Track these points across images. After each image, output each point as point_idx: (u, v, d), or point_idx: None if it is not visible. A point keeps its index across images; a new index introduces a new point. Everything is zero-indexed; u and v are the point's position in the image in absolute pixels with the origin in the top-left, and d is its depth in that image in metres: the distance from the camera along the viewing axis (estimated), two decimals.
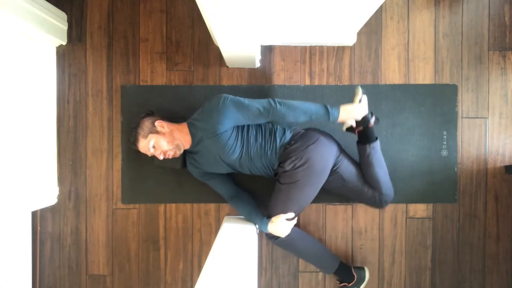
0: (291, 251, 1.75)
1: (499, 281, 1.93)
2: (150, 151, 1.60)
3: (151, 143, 1.57)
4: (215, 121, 1.49)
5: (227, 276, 1.21)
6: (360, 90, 1.59)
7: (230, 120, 1.50)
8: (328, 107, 1.50)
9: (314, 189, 1.60)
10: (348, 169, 1.66)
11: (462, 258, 1.93)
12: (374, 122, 1.64)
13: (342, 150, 1.69)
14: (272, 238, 1.65)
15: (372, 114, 1.64)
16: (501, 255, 1.93)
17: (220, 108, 1.48)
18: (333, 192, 1.76)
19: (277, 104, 1.49)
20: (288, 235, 1.61)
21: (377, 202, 1.70)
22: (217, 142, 1.53)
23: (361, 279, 1.77)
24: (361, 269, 1.80)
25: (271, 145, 1.59)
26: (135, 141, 1.60)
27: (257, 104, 1.49)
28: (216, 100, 1.50)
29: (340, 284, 1.82)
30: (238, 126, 1.57)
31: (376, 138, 1.67)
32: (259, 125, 1.61)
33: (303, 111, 1.49)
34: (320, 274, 1.93)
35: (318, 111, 1.50)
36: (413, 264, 1.93)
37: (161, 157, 1.60)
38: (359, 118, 1.58)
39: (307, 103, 1.52)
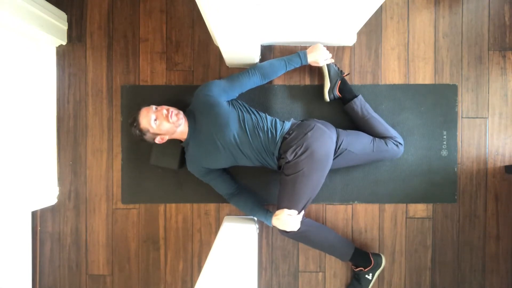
0: (304, 243, 1.76)
1: (499, 281, 1.93)
2: (152, 119, 1.54)
3: (153, 109, 1.57)
4: (204, 92, 1.61)
5: (227, 276, 1.21)
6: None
7: (217, 88, 1.61)
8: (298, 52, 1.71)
9: (320, 176, 1.59)
10: (354, 142, 1.68)
11: (462, 258, 1.93)
12: (342, 72, 1.79)
13: (340, 132, 1.70)
14: (284, 231, 1.64)
15: (338, 67, 1.80)
16: (501, 255, 1.93)
17: (205, 83, 1.65)
18: (355, 165, 1.82)
19: (256, 65, 1.69)
20: (300, 228, 1.60)
21: (394, 148, 1.72)
22: (211, 116, 1.58)
23: (378, 265, 1.79)
24: (378, 255, 1.81)
25: (270, 126, 1.62)
26: (136, 116, 1.57)
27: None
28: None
29: (355, 268, 1.82)
30: (234, 105, 1.63)
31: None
32: (257, 112, 1.66)
33: (277, 59, 1.68)
34: (320, 274, 1.93)
35: (290, 56, 1.70)
36: (413, 264, 1.93)
37: (164, 114, 1.56)
38: (325, 55, 1.73)
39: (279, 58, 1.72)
